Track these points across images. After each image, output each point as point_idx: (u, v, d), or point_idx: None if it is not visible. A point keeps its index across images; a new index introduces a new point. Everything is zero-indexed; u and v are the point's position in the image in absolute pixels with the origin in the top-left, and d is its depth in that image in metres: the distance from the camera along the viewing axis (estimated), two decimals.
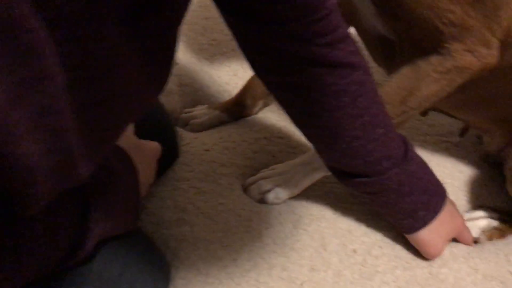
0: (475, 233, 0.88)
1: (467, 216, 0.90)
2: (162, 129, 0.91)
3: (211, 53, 1.21)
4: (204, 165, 0.93)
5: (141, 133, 0.84)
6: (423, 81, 0.76)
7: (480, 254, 0.84)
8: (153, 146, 0.75)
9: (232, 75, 1.16)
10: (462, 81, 0.76)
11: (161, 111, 0.93)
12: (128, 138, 0.68)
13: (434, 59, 0.74)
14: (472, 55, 0.73)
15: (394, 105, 0.79)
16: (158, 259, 0.74)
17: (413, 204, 0.78)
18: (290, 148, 0.98)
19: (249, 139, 0.99)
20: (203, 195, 0.88)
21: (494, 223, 0.90)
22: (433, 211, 0.79)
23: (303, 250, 0.81)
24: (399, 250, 0.82)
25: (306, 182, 0.88)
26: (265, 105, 1.07)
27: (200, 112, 1.05)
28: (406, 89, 0.76)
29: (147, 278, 0.68)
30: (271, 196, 0.88)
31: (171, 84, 1.09)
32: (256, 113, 1.07)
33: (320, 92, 0.71)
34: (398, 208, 0.79)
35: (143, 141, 0.73)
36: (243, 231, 0.83)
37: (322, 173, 0.87)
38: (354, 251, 0.81)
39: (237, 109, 1.05)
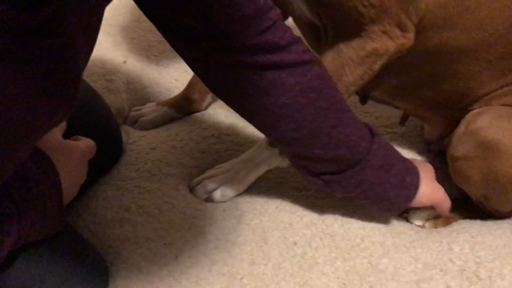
0: (419, 221, 0.88)
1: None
2: (104, 127, 0.90)
3: (160, 50, 1.20)
4: (149, 164, 0.92)
5: (83, 131, 0.84)
6: (347, 66, 0.76)
7: (423, 244, 0.84)
8: (82, 146, 0.74)
9: (182, 72, 1.15)
10: (382, 63, 0.77)
11: (104, 109, 0.92)
12: (51, 140, 0.67)
13: (355, 43, 0.75)
14: (388, 37, 0.74)
15: None
16: (92, 260, 0.73)
17: (399, 175, 0.80)
18: (237, 146, 0.98)
19: (197, 138, 0.99)
20: (147, 194, 0.88)
21: None
22: (414, 173, 0.81)
23: (245, 244, 0.81)
24: (339, 241, 0.82)
25: (251, 178, 0.88)
26: (214, 99, 1.07)
27: (149, 109, 1.04)
28: (332, 74, 0.77)
29: (77, 280, 0.68)
30: (217, 195, 0.88)
31: (119, 82, 1.08)
32: (205, 108, 1.07)
33: (288, 95, 0.72)
34: (389, 185, 0.79)
35: (69, 142, 0.72)
36: (187, 228, 0.83)
37: (265, 167, 0.87)
38: (295, 243, 0.81)
39: (185, 104, 1.04)
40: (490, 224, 0.89)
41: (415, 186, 0.81)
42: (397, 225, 0.87)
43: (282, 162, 0.86)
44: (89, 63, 1.10)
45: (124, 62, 1.13)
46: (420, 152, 1.00)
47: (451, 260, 0.81)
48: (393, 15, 0.72)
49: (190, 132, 1.00)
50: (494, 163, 0.79)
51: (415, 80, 0.84)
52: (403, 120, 0.98)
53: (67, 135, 0.77)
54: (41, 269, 0.64)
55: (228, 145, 0.98)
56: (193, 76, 1.04)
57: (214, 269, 0.78)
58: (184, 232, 0.83)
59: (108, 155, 0.90)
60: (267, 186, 0.91)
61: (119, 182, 0.90)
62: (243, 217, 0.85)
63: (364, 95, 0.92)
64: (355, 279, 0.77)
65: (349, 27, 0.75)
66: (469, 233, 0.86)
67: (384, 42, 0.74)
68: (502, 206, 0.87)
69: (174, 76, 1.15)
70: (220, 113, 1.06)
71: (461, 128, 0.83)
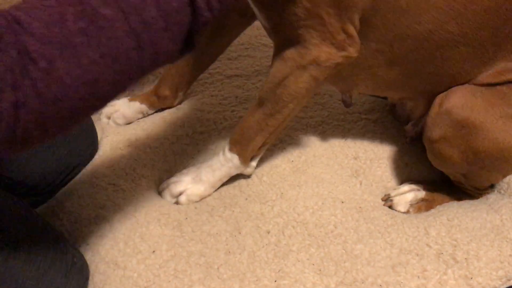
0: (403, 207, 0.88)
1: (394, 192, 0.90)
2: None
3: None
4: (124, 162, 0.92)
5: None
6: (292, 74, 0.75)
7: (398, 229, 0.84)
8: None
9: None
10: (327, 71, 0.74)
11: None
12: None
13: (296, 50, 0.73)
14: (330, 44, 0.71)
15: (271, 100, 0.78)
16: (71, 257, 0.73)
17: None
18: (210, 145, 0.98)
19: (171, 137, 0.98)
20: (122, 193, 0.87)
21: (421, 194, 0.90)
22: None
23: (219, 235, 0.81)
24: (312, 229, 0.82)
25: (215, 182, 0.88)
26: (186, 96, 1.07)
27: (121, 104, 1.03)
28: (280, 83, 0.75)
29: (56, 277, 0.67)
30: (183, 198, 0.87)
31: None
32: (177, 105, 1.07)
33: None
34: None
35: None
36: (163, 223, 0.83)
37: (227, 171, 0.87)
38: (268, 232, 0.81)
39: (157, 100, 1.04)
40: (466, 206, 0.89)
41: None
42: (370, 211, 0.87)
43: (243, 168, 0.87)
44: None
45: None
46: (394, 138, 1.01)
47: (427, 245, 0.82)
48: (330, 22, 0.70)
49: (165, 131, 1.00)
50: (472, 140, 0.79)
51: (402, 72, 0.83)
52: (392, 106, 0.99)
53: None
54: (17, 268, 0.64)
55: (200, 145, 0.97)
56: (164, 72, 1.03)
57: (191, 260, 0.78)
58: (161, 227, 0.82)
59: (83, 151, 0.90)
60: (233, 179, 0.90)
61: (93, 179, 0.89)
62: (214, 210, 0.85)
63: (344, 100, 0.93)
64: (330, 265, 0.77)
65: (290, 34, 0.72)
66: (446, 216, 0.86)
67: (325, 50, 0.72)
68: (482, 182, 0.87)
69: None
70: (194, 110, 1.06)
71: (434, 109, 0.83)
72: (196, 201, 0.87)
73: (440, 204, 0.91)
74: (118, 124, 1.02)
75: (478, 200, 0.91)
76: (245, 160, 0.85)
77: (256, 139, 0.83)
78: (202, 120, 1.03)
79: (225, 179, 0.88)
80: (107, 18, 0.43)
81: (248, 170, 0.88)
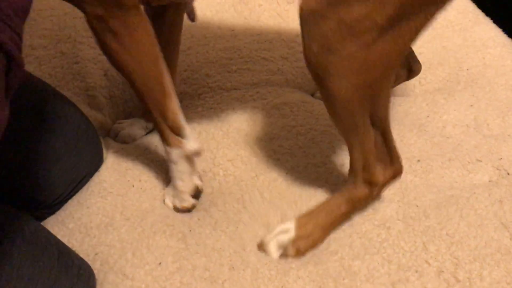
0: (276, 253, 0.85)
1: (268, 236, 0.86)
2: (82, 137, 0.92)
3: None
4: (130, 174, 0.94)
5: (61, 142, 0.85)
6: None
7: (394, 243, 0.85)
8: None
9: None
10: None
11: (82, 120, 0.93)
12: None
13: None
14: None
15: None
16: (78, 267, 0.75)
17: None
18: (210, 155, 0.99)
19: None
20: (129, 202, 0.90)
21: (288, 236, 0.85)
22: None
23: (223, 250, 0.84)
24: None
25: (186, 178, 0.89)
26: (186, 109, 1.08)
27: (128, 122, 1.05)
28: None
29: None
30: (175, 203, 0.90)
31: (100, 96, 1.09)
32: None
33: None
34: None
35: None
36: (168, 234, 0.85)
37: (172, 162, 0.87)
38: None
39: None
40: (471, 219, 0.87)
41: None
42: (361, 224, 0.88)
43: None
44: (70, 76, 1.12)
45: (105, 75, 1.13)
46: None
47: (426, 261, 0.81)
48: None
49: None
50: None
51: None
52: None
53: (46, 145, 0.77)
54: (23, 280, 0.66)
55: (203, 164, 0.98)
56: None
57: (196, 274, 0.81)
58: (166, 238, 0.85)
59: (89, 162, 0.92)
60: (238, 194, 0.93)
61: (101, 190, 0.91)
62: (218, 225, 0.88)
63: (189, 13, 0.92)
64: (329, 282, 0.79)
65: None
66: (445, 230, 0.86)
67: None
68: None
69: None
70: (194, 123, 1.06)
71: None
72: (191, 205, 0.91)
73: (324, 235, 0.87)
74: (125, 143, 1.03)
75: (486, 212, 0.88)
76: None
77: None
78: (201, 132, 1.04)
79: (183, 169, 0.89)
80: None
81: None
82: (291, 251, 0.84)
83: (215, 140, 1.02)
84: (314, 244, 0.85)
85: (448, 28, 1.28)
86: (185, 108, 1.06)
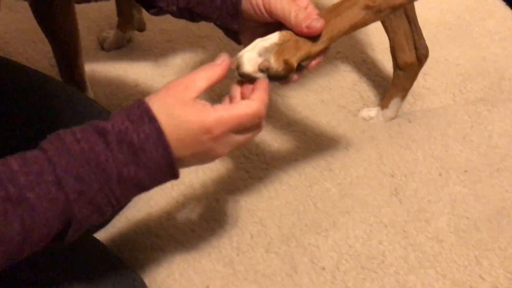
0: (251, 65, 0.59)
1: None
2: None
3: (171, 72, 1.20)
4: (176, 191, 0.91)
5: None
6: None
7: (447, 257, 0.82)
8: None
9: None
10: None
11: None
12: None
13: None
14: None
15: None
16: (127, 283, 0.73)
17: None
18: (265, 165, 0.97)
19: (226, 158, 0.97)
20: (174, 221, 0.87)
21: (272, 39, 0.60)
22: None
23: (275, 275, 0.80)
24: (364, 261, 0.81)
25: None
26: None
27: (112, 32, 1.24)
28: None
29: None
30: None
31: None
32: None
33: None
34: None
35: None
36: (215, 258, 0.82)
37: None
38: (323, 268, 0.80)
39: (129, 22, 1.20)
40: None
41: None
42: (415, 236, 0.85)
43: None
44: (104, 88, 1.11)
45: (136, 86, 1.13)
46: (424, 151, 0.99)
47: (481, 276, 0.79)
48: None
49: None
50: None
51: None
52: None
53: None
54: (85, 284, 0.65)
55: (256, 164, 0.97)
56: None
57: None
58: (213, 262, 0.82)
59: None
60: (290, 208, 0.90)
61: (148, 208, 0.89)
62: (271, 245, 0.84)
63: None
64: None
65: None
66: (498, 244, 0.83)
67: None
68: None
69: None
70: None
71: None
72: None
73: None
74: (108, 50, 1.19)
75: None
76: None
77: None
78: (257, 142, 1.01)
79: None
80: None
81: None
82: (273, 60, 0.59)
83: (270, 150, 0.99)
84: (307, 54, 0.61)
85: (486, 37, 1.25)
86: None
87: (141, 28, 1.26)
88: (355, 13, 0.62)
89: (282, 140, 1.02)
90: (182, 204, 0.90)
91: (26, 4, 1.03)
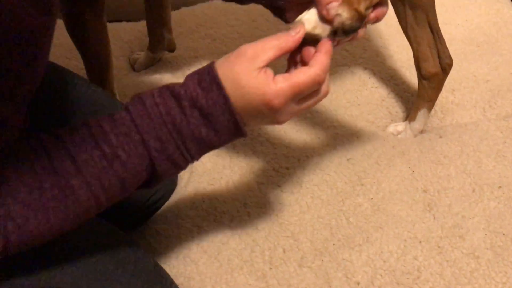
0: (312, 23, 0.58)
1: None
2: None
3: None
4: (206, 203, 0.90)
5: None
6: None
7: (484, 273, 0.79)
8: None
9: None
10: None
11: None
12: None
13: None
14: None
15: None
16: (167, 284, 0.72)
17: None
18: (296, 178, 0.95)
19: (256, 170, 0.97)
20: (205, 234, 0.85)
21: None
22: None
23: None
24: (399, 277, 0.79)
25: None
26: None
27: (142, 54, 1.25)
28: None
29: None
30: None
31: None
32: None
33: None
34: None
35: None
36: (246, 272, 0.80)
37: None
38: (358, 283, 0.78)
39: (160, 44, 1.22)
40: None
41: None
42: (450, 251, 0.83)
43: None
44: None
45: None
46: (455, 167, 0.96)
47: None
48: None
49: (250, 161, 0.99)
50: None
51: None
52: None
53: None
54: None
55: (287, 178, 0.95)
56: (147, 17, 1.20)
57: None
58: (245, 276, 0.80)
59: (163, 186, 0.90)
60: (324, 223, 0.88)
61: (179, 220, 0.88)
62: (304, 260, 0.82)
63: None
64: None
65: None
66: None
67: None
68: None
69: None
70: (281, 145, 1.04)
71: None
72: None
73: None
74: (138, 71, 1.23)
75: None
76: None
77: None
78: (288, 156, 1.00)
79: None
80: (74, 187, 0.52)
81: None
82: (346, 12, 0.58)
83: (300, 165, 0.98)
84: None
85: None
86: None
87: (171, 49, 1.27)
88: None
89: (313, 154, 1.01)
90: (214, 218, 0.89)
91: (61, 21, 1.05)
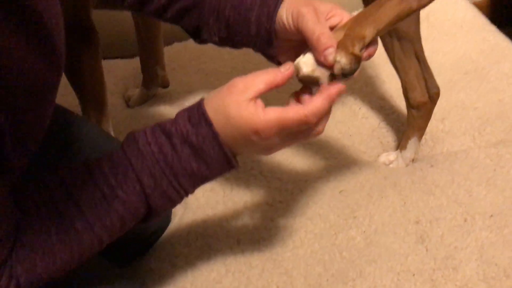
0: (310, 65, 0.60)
1: None
2: None
3: None
4: (200, 240, 0.90)
5: None
6: None
7: None
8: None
9: None
10: None
11: None
12: None
13: None
14: None
15: None
16: None
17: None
18: (289, 213, 0.96)
19: (251, 206, 0.97)
20: (199, 273, 0.85)
21: None
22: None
23: None
24: None
25: None
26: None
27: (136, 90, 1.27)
28: None
29: None
30: None
31: None
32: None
33: None
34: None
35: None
36: None
37: None
38: None
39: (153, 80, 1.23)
40: None
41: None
42: (443, 284, 0.82)
43: None
44: None
45: None
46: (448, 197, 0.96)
47: None
48: None
49: (244, 195, 0.99)
50: None
51: None
52: None
53: None
54: None
55: (280, 212, 0.95)
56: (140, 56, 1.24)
57: None
58: None
59: (156, 223, 0.90)
60: (317, 257, 0.88)
61: (173, 258, 0.88)
62: None
63: None
64: None
65: None
66: None
67: None
68: None
69: None
70: (274, 178, 1.04)
71: None
72: None
73: None
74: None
75: None
76: None
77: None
78: (281, 189, 1.01)
79: None
80: (78, 230, 0.55)
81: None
82: (344, 58, 0.59)
83: (293, 198, 0.98)
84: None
85: (502, 81, 1.24)
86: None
87: (165, 85, 1.28)
88: (396, 2, 0.63)
89: (306, 187, 1.01)
90: (207, 256, 0.89)
91: None
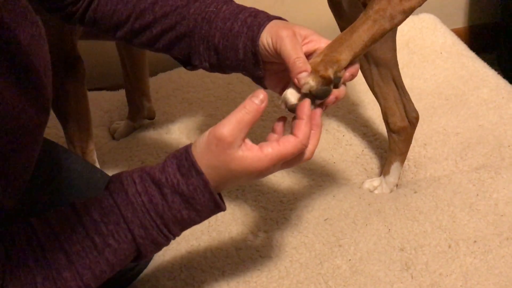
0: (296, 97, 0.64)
1: None
2: None
3: None
4: (184, 272, 0.89)
5: None
6: None
7: None
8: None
9: None
10: None
11: None
12: None
13: None
14: None
15: None
16: None
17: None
18: (274, 242, 0.95)
19: (235, 236, 0.96)
20: None
21: None
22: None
23: None
24: None
25: None
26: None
27: (122, 123, 1.26)
28: None
29: None
30: None
31: None
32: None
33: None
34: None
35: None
36: None
37: None
38: None
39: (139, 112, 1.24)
40: None
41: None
42: None
43: None
44: (113, 170, 1.12)
45: (142, 163, 1.13)
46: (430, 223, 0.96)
47: None
48: None
49: (229, 225, 0.98)
50: None
51: None
52: None
53: None
54: None
55: (265, 242, 0.94)
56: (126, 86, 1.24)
57: None
58: None
59: None
60: (305, 283, 0.87)
61: None
62: None
63: None
64: None
65: None
66: None
67: None
68: None
69: None
70: (259, 207, 1.03)
71: None
72: None
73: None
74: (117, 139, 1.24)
75: None
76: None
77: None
78: (266, 218, 1.00)
79: None
80: (66, 279, 0.55)
81: None
82: (311, 79, 0.62)
83: (279, 228, 0.98)
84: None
85: (482, 106, 1.26)
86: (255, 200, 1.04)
87: (151, 117, 1.28)
88: (369, 25, 0.66)
89: (291, 216, 1.00)
90: (190, 285, 0.88)
91: None
